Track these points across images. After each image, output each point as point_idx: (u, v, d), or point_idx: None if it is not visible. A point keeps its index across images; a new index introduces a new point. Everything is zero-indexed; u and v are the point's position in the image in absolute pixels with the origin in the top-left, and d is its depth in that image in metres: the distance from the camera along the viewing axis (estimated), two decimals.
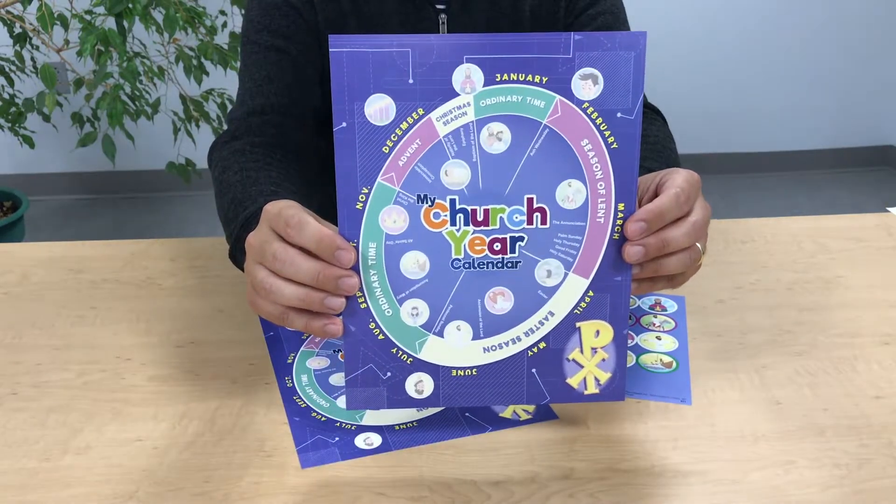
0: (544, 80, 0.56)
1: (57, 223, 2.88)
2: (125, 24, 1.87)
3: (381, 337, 0.58)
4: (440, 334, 0.58)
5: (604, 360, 0.61)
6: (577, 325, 0.60)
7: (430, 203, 0.57)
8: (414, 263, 0.58)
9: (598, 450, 0.65)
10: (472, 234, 0.58)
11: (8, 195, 2.66)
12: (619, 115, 0.56)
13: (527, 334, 0.59)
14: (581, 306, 0.60)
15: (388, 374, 0.57)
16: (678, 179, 0.63)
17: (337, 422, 0.67)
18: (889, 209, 1.07)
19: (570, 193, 0.57)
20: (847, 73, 3.12)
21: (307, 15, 0.99)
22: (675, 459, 0.64)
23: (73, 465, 0.63)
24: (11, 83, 2.29)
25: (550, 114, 0.56)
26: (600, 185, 0.57)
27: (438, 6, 1.01)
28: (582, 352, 0.60)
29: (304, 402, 0.70)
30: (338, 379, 0.73)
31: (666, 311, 0.84)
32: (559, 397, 0.60)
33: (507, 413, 0.69)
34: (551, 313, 0.60)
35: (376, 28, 1.01)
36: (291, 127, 0.96)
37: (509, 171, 0.57)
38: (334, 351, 0.77)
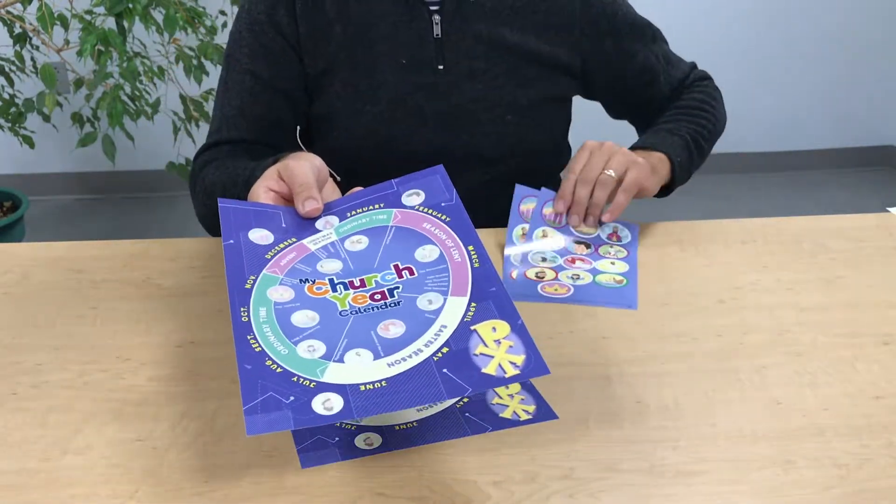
0: (381, 205, 0.74)
1: (57, 223, 2.88)
2: (125, 24, 1.87)
3: (279, 370, 0.59)
4: (340, 361, 0.60)
5: (511, 346, 0.61)
6: (472, 328, 0.62)
7: (311, 282, 0.67)
8: (304, 317, 0.64)
9: (598, 450, 0.65)
10: (353, 294, 0.66)
11: (8, 195, 2.66)
12: (442, 204, 0.72)
13: (427, 345, 0.61)
14: (469, 315, 0.63)
15: (292, 398, 0.57)
16: (571, 164, 0.98)
17: (338, 423, 0.67)
18: (889, 209, 1.07)
19: (426, 253, 0.69)
20: (847, 74, 3.12)
21: (288, 32, 1.00)
22: (675, 459, 0.64)
23: (73, 465, 0.63)
24: (11, 83, 2.29)
25: (393, 219, 0.72)
26: (448, 241, 0.70)
27: (432, 7, 1.00)
28: (486, 346, 0.61)
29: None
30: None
31: (621, 241, 0.97)
32: (481, 386, 0.59)
33: (507, 413, 0.69)
34: (444, 326, 0.63)
35: (364, 33, 1.00)
36: (261, 151, 1.01)
37: (373, 256, 0.70)
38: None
